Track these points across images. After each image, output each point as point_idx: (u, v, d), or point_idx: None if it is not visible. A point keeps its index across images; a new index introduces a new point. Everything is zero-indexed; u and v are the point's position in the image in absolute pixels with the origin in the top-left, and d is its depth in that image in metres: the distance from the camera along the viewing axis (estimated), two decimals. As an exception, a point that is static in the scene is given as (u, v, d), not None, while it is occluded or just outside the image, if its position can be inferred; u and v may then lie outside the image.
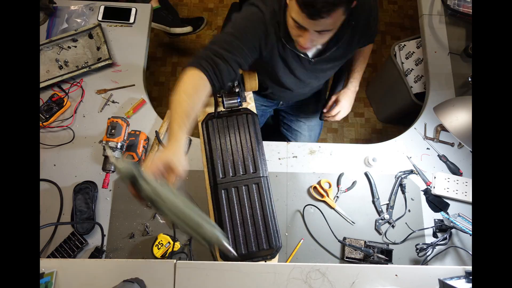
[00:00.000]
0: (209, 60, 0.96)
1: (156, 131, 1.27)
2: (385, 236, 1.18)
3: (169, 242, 1.12)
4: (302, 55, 1.10)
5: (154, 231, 1.16)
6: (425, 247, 1.13)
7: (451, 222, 1.12)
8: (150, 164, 0.80)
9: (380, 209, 1.21)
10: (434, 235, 1.19)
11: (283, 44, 1.06)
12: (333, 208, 1.20)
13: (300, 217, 1.20)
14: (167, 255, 1.12)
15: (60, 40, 1.35)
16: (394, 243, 1.17)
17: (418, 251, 1.14)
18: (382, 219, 1.20)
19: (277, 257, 1.15)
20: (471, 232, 1.06)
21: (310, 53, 1.12)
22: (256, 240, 1.11)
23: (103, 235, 1.11)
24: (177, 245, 1.13)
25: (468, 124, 0.98)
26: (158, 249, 1.12)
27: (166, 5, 2.13)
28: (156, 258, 1.12)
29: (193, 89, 0.93)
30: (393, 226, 1.19)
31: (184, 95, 0.91)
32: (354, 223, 1.20)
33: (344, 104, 1.33)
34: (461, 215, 1.16)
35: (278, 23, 1.02)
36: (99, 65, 1.34)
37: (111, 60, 1.34)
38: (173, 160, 0.81)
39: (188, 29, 2.10)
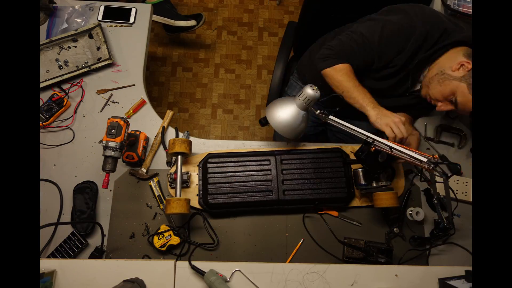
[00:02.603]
0: (349, 58, 1.16)
1: (163, 126, 1.27)
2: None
3: (170, 235, 1.13)
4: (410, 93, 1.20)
5: (155, 231, 1.16)
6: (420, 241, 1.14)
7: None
8: (395, 121, 1.05)
9: (390, 222, 1.20)
10: (432, 234, 1.19)
11: (408, 80, 1.14)
12: (335, 216, 1.21)
13: (300, 217, 1.19)
14: (165, 247, 1.12)
15: (60, 40, 1.35)
16: (402, 263, 1.15)
17: (412, 241, 1.16)
18: (392, 233, 1.19)
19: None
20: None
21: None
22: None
23: (103, 235, 1.11)
24: (177, 240, 1.13)
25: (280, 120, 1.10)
26: (159, 239, 1.12)
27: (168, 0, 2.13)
28: (154, 247, 1.12)
29: (352, 73, 1.14)
30: (403, 239, 1.19)
31: (352, 78, 1.13)
32: (361, 224, 1.20)
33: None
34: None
35: (423, 46, 1.08)
36: (99, 65, 1.34)
37: (111, 60, 1.34)
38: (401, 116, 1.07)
39: (192, 22, 2.09)
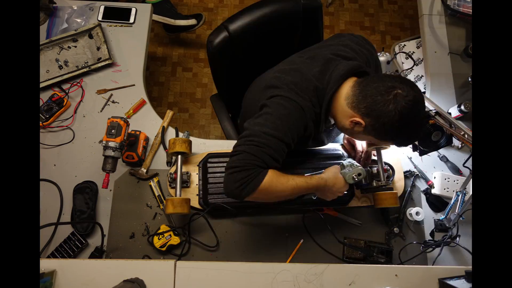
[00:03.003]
0: (269, 164, 0.94)
1: (163, 126, 1.28)
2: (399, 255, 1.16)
3: (170, 235, 1.13)
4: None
5: (155, 231, 1.16)
6: (432, 245, 1.13)
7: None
8: (340, 191, 1.06)
9: (390, 222, 1.20)
10: (432, 234, 1.19)
11: (321, 129, 1.06)
12: (335, 216, 1.21)
13: (300, 216, 1.19)
14: (165, 247, 1.12)
15: (60, 40, 1.35)
16: (403, 262, 1.14)
17: (423, 247, 1.14)
18: (391, 233, 1.19)
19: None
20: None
21: None
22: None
23: (103, 235, 1.11)
24: (177, 240, 1.13)
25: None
26: (159, 239, 1.13)
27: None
28: (154, 247, 1.12)
29: (280, 174, 0.96)
30: (403, 239, 1.19)
31: (285, 179, 0.97)
32: (361, 223, 1.20)
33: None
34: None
35: (317, 114, 1.00)
36: (99, 65, 1.34)
37: (111, 60, 1.34)
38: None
39: (192, 21, 2.08)
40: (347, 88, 0.96)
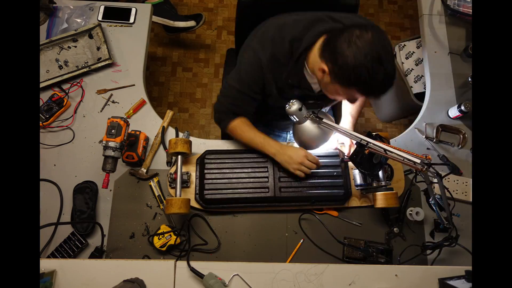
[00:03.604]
0: (234, 111, 1.19)
1: (163, 126, 1.28)
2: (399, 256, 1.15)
3: (170, 235, 1.13)
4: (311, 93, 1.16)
5: (155, 231, 1.16)
6: (431, 245, 1.13)
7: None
8: (298, 161, 1.13)
9: (390, 222, 1.20)
10: (432, 235, 1.19)
11: (288, 86, 1.11)
12: (335, 216, 1.21)
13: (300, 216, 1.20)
14: (165, 247, 1.12)
15: (60, 40, 1.35)
16: (403, 263, 1.14)
17: (423, 248, 1.14)
18: (391, 233, 1.19)
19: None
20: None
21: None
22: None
23: (103, 235, 1.11)
24: (177, 240, 1.13)
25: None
26: (159, 239, 1.13)
27: (168, 0, 2.12)
28: (154, 247, 1.13)
29: (246, 125, 1.20)
30: (403, 239, 1.19)
31: (247, 129, 1.19)
32: (361, 223, 1.20)
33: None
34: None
35: (281, 63, 1.06)
36: (99, 65, 1.34)
37: (111, 60, 1.34)
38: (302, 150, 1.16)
39: (191, 23, 2.09)
40: (321, 40, 1.00)
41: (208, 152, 1.23)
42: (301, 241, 1.17)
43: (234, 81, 1.13)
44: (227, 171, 1.20)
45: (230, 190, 1.18)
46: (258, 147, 1.18)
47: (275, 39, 1.05)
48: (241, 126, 1.19)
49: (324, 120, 1.06)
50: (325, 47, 0.96)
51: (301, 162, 1.13)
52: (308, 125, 1.11)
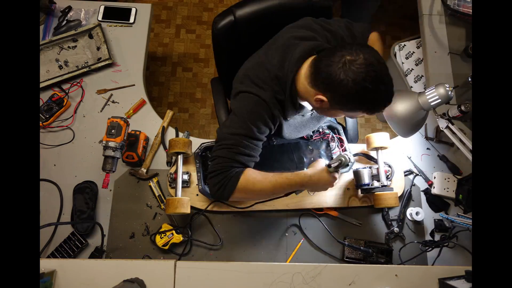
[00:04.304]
0: (242, 162, 1.00)
1: (163, 126, 1.28)
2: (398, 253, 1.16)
3: (172, 233, 1.13)
4: (308, 113, 1.13)
5: (155, 231, 1.16)
6: (431, 244, 1.13)
7: (452, 221, 1.12)
8: (329, 186, 1.07)
9: (390, 222, 1.19)
10: (432, 234, 1.19)
11: (288, 115, 1.05)
12: (335, 216, 1.21)
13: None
14: (167, 246, 1.12)
15: (60, 40, 1.35)
16: (403, 263, 1.14)
17: (422, 246, 1.14)
18: (391, 233, 1.18)
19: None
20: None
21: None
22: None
23: (103, 235, 1.11)
24: (179, 238, 1.13)
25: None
26: (161, 238, 1.13)
27: None
28: (156, 246, 1.13)
29: (256, 173, 1.01)
30: (403, 239, 1.18)
31: (262, 176, 1.01)
32: (361, 223, 1.20)
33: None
34: (459, 215, 1.16)
35: (280, 101, 1.00)
36: (99, 65, 1.34)
37: (111, 60, 1.34)
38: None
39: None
40: (305, 68, 0.96)
41: (206, 147, 1.22)
42: (301, 241, 1.17)
43: (235, 128, 0.98)
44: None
45: None
46: (284, 188, 1.03)
47: (264, 79, 0.99)
48: (255, 176, 1.00)
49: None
50: (316, 76, 0.91)
51: (332, 182, 1.07)
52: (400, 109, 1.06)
